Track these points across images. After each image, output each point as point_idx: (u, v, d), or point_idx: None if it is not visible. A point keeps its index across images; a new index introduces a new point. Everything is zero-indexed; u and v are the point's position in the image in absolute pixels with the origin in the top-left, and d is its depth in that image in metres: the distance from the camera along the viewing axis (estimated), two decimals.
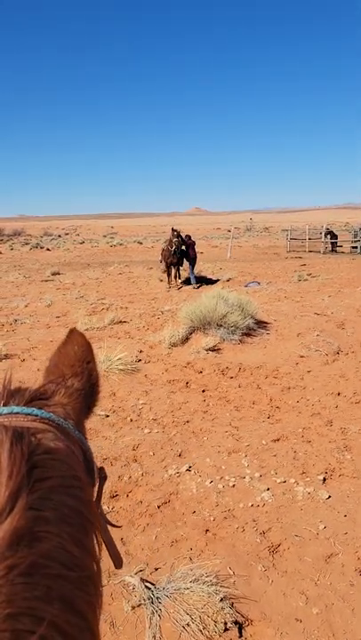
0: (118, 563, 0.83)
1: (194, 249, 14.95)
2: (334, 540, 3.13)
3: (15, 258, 29.65)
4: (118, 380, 5.92)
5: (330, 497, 3.60)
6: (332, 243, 29.08)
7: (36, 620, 0.41)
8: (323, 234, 29.07)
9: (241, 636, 2.43)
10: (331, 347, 7.10)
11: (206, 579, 2.65)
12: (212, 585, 2.62)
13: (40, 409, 0.66)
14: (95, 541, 0.57)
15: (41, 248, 37.40)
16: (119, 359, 6.21)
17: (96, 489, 0.70)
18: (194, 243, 15.08)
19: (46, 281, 16.59)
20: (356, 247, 27.94)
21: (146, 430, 4.71)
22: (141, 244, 40.08)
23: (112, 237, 53.53)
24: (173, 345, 7.19)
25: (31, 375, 6.21)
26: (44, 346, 7.61)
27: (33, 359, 6.90)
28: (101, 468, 0.74)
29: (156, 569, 2.88)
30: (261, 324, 8.28)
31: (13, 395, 0.69)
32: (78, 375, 0.83)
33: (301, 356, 6.78)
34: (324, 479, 3.84)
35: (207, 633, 2.39)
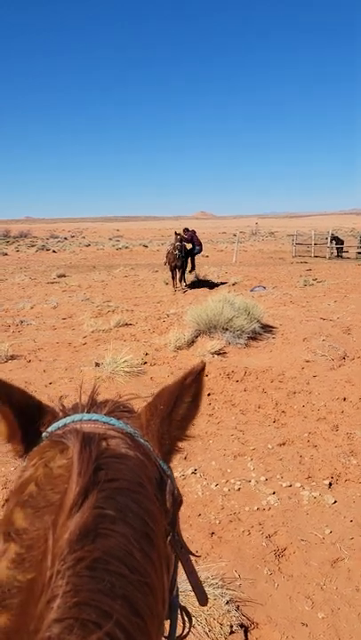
0: (202, 599, 0.82)
1: (198, 238, 15.16)
2: (340, 544, 3.13)
3: (21, 260, 29.79)
4: (124, 383, 5.93)
5: (336, 502, 3.60)
6: (337, 248, 29.03)
7: (101, 612, 0.43)
8: (328, 239, 29.04)
9: (247, 639, 2.42)
10: (337, 352, 7.09)
11: (212, 581, 2.65)
12: (217, 587, 2.62)
13: (119, 419, 0.70)
14: (160, 558, 0.58)
15: (47, 250, 37.54)
16: (125, 361, 6.22)
17: (170, 510, 0.69)
18: (194, 232, 15.19)
19: (52, 283, 16.64)
20: None
21: None
22: (147, 247, 40.16)
23: (118, 240, 53.65)
24: (179, 348, 7.20)
25: (37, 376, 6.24)
26: (50, 347, 7.64)
27: (39, 360, 6.93)
28: (176, 490, 0.73)
29: None
30: (267, 328, 8.29)
31: (97, 404, 0.74)
32: (167, 403, 0.81)
33: (307, 361, 6.77)
34: (330, 484, 3.84)
35: (213, 635, 2.39)
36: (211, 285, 15.35)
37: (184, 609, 0.84)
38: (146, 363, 6.76)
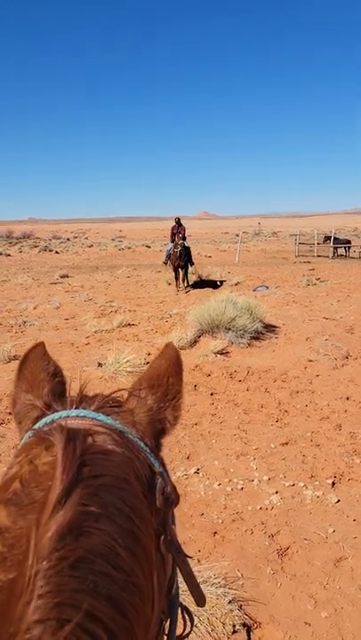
0: (200, 600, 0.80)
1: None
2: (344, 544, 3.11)
3: (24, 260, 29.84)
4: (127, 383, 5.92)
5: (339, 501, 3.58)
6: (336, 248, 29.04)
7: (83, 613, 0.43)
8: (331, 239, 29.01)
9: (249, 638, 2.42)
10: (340, 351, 7.07)
11: (215, 580, 2.65)
12: (220, 587, 2.61)
13: (107, 415, 0.69)
14: (147, 557, 0.57)
15: (50, 251, 37.55)
16: (127, 361, 6.22)
17: (160, 509, 0.67)
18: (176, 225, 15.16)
19: (55, 283, 16.66)
20: None
21: None
22: (150, 247, 40.14)
23: (120, 241, 53.62)
24: (182, 348, 7.19)
25: None
26: (53, 348, 7.64)
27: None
28: (167, 489, 0.71)
29: None
30: (270, 327, 8.27)
31: (86, 399, 0.73)
32: (154, 388, 0.84)
33: (310, 360, 6.75)
34: (334, 483, 3.82)
35: (215, 635, 2.38)
36: (213, 285, 15.34)
37: (185, 608, 0.83)
38: (148, 363, 6.73)
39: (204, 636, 2.37)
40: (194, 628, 2.45)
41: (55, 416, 0.69)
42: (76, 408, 0.70)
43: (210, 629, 2.40)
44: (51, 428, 0.62)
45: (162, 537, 0.66)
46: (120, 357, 6.28)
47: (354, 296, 11.87)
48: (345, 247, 29.32)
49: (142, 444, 0.70)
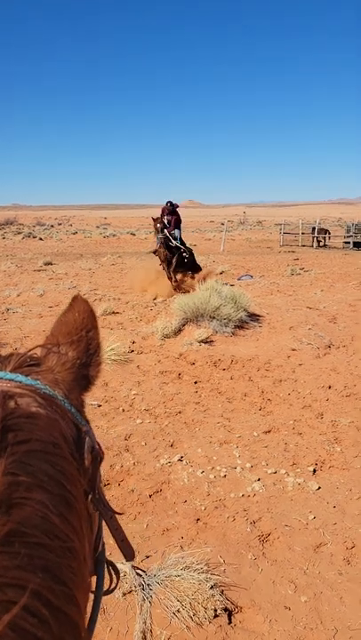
0: (128, 554, 0.77)
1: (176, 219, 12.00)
2: (323, 530, 3.17)
3: (7, 247, 29.41)
4: (111, 371, 5.91)
5: (320, 488, 3.64)
6: (323, 238, 29.28)
7: (20, 590, 0.39)
8: (316, 230, 29.18)
9: (230, 622, 2.46)
10: (322, 340, 7.14)
11: (197, 566, 2.68)
12: (202, 573, 2.64)
13: (27, 376, 0.63)
14: (80, 520, 0.54)
15: (33, 238, 37.10)
16: (112, 349, 6.21)
17: (89, 468, 0.64)
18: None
19: (39, 271, 16.47)
20: (348, 242, 28.08)
21: (138, 420, 4.72)
22: (134, 235, 39.91)
23: (105, 228, 53.21)
24: (166, 336, 7.19)
25: None
26: (37, 335, 7.57)
27: (25, 349, 6.88)
28: (95, 447, 0.67)
29: (148, 556, 2.91)
30: (254, 316, 8.31)
31: (1, 360, 0.67)
32: (74, 343, 0.78)
33: (293, 350, 6.81)
34: (315, 470, 3.88)
35: (197, 619, 2.42)
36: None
37: (111, 564, 0.81)
38: (133, 351, 6.74)
39: (186, 620, 2.40)
40: (176, 613, 2.46)
41: None
42: None
43: (192, 614, 2.43)
44: None
45: (90, 496, 0.63)
46: (104, 345, 6.26)
47: (337, 286, 11.98)
48: (323, 237, 29.61)
49: (67, 404, 0.65)
